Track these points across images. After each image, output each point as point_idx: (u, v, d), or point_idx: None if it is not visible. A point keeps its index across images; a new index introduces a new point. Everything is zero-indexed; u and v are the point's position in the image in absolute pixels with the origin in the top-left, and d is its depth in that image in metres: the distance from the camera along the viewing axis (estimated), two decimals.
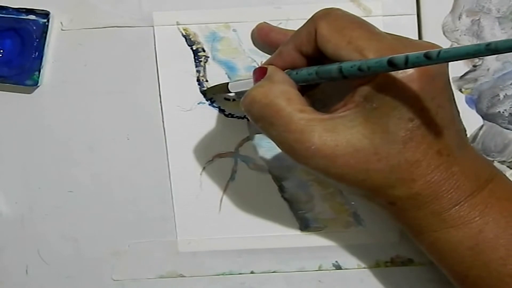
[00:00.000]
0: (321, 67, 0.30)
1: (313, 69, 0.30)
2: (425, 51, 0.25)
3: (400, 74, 0.28)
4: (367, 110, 0.28)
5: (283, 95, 0.30)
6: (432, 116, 0.28)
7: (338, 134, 0.29)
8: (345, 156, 0.29)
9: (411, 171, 0.29)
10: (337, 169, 0.29)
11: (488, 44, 0.22)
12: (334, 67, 0.29)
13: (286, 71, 0.32)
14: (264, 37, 0.36)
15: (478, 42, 0.23)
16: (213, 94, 0.37)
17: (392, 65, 0.26)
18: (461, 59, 0.24)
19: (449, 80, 0.30)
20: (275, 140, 0.30)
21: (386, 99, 0.28)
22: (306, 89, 0.33)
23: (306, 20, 0.31)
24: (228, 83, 0.35)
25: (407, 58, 0.25)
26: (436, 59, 0.24)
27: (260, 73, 0.32)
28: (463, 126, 0.31)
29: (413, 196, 0.29)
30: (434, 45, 0.29)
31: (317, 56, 0.31)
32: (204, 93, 0.37)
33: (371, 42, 0.28)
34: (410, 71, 0.28)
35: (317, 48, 0.30)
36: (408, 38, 0.30)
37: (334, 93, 0.31)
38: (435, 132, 0.29)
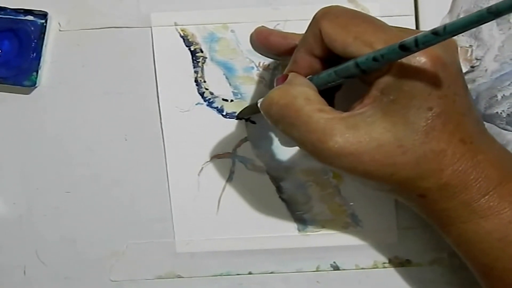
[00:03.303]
0: (338, 66, 0.30)
1: (331, 69, 0.30)
2: (431, 28, 0.25)
3: (413, 63, 0.28)
4: (385, 103, 0.28)
5: (302, 95, 0.30)
6: (450, 104, 0.28)
7: (359, 130, 0.28)
8: (370, 152, 0.28)
9: (438, 160, 0.28)
10: (363, 165, 0.29)
11: (489, 8, 0.23)
12: (351, 63, 0.29)
13: (308, 77, 0.32)
14: (263, 41, 0.35)
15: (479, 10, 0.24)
16: (246, 115, 0.37)
17: (404, 48, 0.26)
18: (467, 29, 0.24)
19: (461, 68, 0.30)
20: (297, 141, 0.30)
21: (403, 90, 0.28)
22: (329, 98, 0.32)
23: (304, 21, 0.31)
24: (257, 102, 0.33)
25: (416, 39, 0.26)
26: (443, 33, 0.25)
27: (281, 80, 0.32)
28: (480, 114, 0.31)
29: (443, 186, 0.29)
30: None
31: (331, 56, 0.30)
32: (238, 117, 0.38)
33: (378, 34, 0.28)
34: (423, 59, 0.28)
35: (327, 48, 0.30)
36: (411, 29, 0.30)
37: (355, 95, 0.31)
38: (455, 120, 0.28)
